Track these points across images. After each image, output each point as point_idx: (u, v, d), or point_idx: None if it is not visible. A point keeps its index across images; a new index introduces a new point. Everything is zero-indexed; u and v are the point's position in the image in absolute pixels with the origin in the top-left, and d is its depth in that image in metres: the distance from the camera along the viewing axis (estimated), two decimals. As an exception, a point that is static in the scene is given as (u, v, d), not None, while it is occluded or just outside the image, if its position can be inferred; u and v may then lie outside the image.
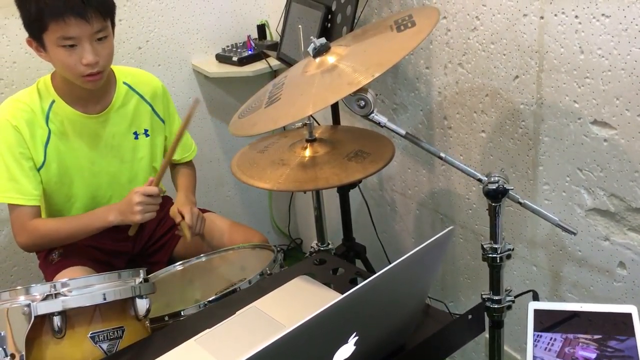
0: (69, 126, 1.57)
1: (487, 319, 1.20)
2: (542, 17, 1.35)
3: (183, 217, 1.60)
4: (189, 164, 1.86)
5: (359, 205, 2.13)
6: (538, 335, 1.05)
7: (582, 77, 1.32)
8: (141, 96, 1.67)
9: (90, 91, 1.53)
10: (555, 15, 1.32)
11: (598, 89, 1.30)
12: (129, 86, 1.65)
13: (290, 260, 2.59)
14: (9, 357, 1.03)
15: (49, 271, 1.64)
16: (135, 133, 1.67)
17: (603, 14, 1.24)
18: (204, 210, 1.83)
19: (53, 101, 1.55)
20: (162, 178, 1.57)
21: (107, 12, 1.46)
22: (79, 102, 1.56)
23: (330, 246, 1.82)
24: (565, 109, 1.38)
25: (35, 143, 1.53)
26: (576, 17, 1.29)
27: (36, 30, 1.42)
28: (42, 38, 1.43)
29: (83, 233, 1.57)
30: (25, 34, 1.47)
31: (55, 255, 1.64)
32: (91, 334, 1.13)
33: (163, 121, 1.73)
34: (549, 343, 1.03)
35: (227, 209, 2.51)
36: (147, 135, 1.69)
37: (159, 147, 1.74)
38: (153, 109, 1.70)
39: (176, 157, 1.80)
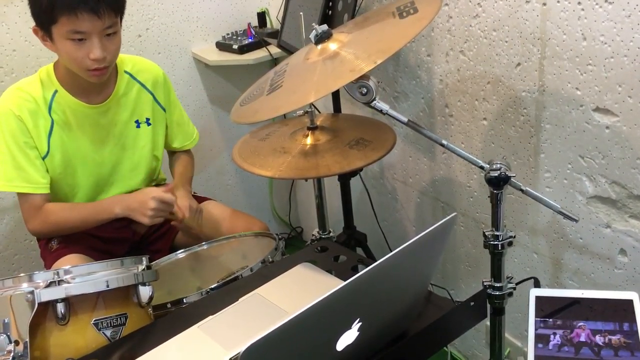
0: (72, 116, 1.56)
1: (488, 306, 1.21)
2: (544, 4, 1.35)
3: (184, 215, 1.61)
4: (188, 152, 1.86)
5: (360, 193, 2.13)
6: (539, 321, 1.05)
7: (584, 64, 1.31)
8: (142, 85, 1.67)
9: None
10: (558, 1, 1.32)
11: (600, 75, 1.29)
12: (130, 75, 1.64)
13: (291, 248, 2.59)
14: (13, 344, 1.03)
15: (48, 259, 1.64)
16: (137, 122, 1.67)
17: (606, 1, 1.23)
18: (204, 198, 1.83)
19: (56, 91, 1.54)
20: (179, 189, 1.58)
21: (119, 8, 1.46)
22: (81, 92, 1.56)
23: (331, 234, 1.83)
24: (567, 96, 1.37)
25: (39, 133, 1.53)
26: (579, 3, 1.28)
27: (45, 21, 1.41)
28: (51, 29, 1.42)
29: (92, 222, 1.58)
30: (26, 22, 1.47)
31: (54, 243, 1.65)
32: (94, 320, 1.14)
33: (164, 109, 1.73)
34: (550, 330, 1.03)
35: (228, 197, 2.51)
36: (148, 124, 1.69)
37: (160, 135, 1.73)
38: (154, 98, 1.69)
39: (176, 145, 1.80)
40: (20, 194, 1.55)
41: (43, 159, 1.55)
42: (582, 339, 1.01)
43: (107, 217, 1.56)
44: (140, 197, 1.53)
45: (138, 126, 1.67)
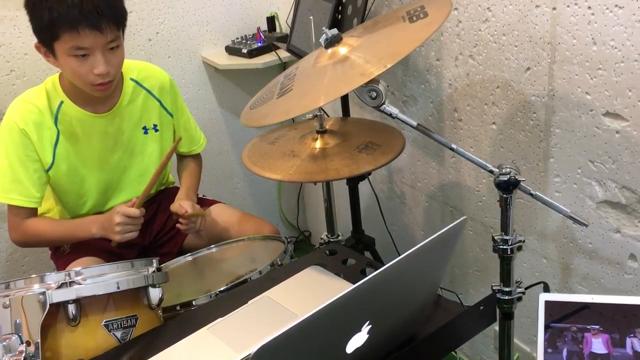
0: (78, 126, 1.57)
1: (497, 311, 1.21)
2: (554, 8, 1.35)
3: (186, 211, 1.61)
4: (196, 157, 1.85)
5: (368, 197, 2.13)
6: (549, 326, 1.05)
7: (594, 69, 1.31)
8: (149, 91, 1.66)
9: None
10: (568, 6, 1.32)
11: (610, 80, 1.29)
12: (136, 82, 1.64)
13: (299, 252, 2.59)
14: (24, 344, 1.04)
15: (61, 262, 1.65)
16: (144, 128, 1.67)
17: (616, 5, 1.23)
18: (213, 201, 1.84)
19: (61, 102, 1.55)
20: (145, 199, 1.54)
21: (121, 21, 1.45)
22: (87, 102, 1.56)
23: (340, 238, 1.83)
24: (577, 101, 1.37)
25: (44, 145, 1.54)
26: (589, 8, 1.28)
27: (47, 38, 1.41)
28: (53, 46, 1.41)
29: (69, 240, 1.62)
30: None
31: (66, 247, 1.66)
32: (105, 322, 1.14)
33: (171, 115, 1.72)
34: (560, 335, 1.03)
35: (236, 201, 2.52)
36: (156, 130, 1.69)
37: (168, 141, 1.74)
38: (161, 104, 1.69)
39: (183, 149, 1.80)
40: (10, 205, 1.57)
41: (47, 170, 1.56)
42: (593, 345, 1.00)
43: (84, 236, 1.57)
44: (108, 215, 1.53)
45: (145, 133, 1.67)
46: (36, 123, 1.52)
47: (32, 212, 1.59)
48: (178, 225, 1.63)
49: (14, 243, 1.62)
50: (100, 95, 1.51)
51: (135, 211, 1.49)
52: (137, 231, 1.52)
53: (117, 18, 1.43)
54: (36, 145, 1.53)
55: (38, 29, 1.43)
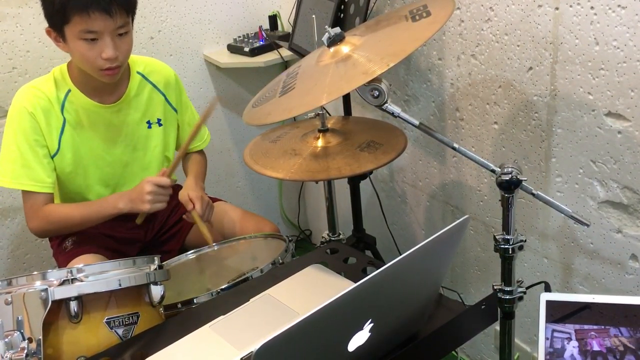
0: (84, 116, 1.58)
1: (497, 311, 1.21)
2: (557, 8, 1.35)
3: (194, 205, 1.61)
4: (200, 152, 1.87)
5: (370, 196, 2.13)
6: (550, 326, 1.05)
7: (596, 69, 1.31)
8: (154, 85, 1.68)
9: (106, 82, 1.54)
10: (571, 6, 1.32)
11: (613, 80, 1.29)
12: (143, 75, 1.66)
13: (300, 251, 2.60)
14: (26, 341, 1.04)
15: (62, 259, 1.65)
16: (148, 122, 1.68)
17: (619, 5, 1.23)
18: (215, 199, 1.84)
19: (69, 91, 1.56)
20: (175, 169, 1.57)
21: (131, 8, 1.48)
22: (94, 92, 1.58)
23: (341, 236, 1.83)
24: (579, 101, 1.37)
25: (50, 131, 1.55)
26: (592, 8, 1.28)
27: (58, 21, 1.43)
28: (63, 29, 1.43)
29: (94, 220, 1.58)
30: (40, 24, 1.48)
31: (68, 243, 1.66)
32: (107, 319, 1.15)
33: (176, 110, 1.74)
34: (563, 336, 1.03)
35: (237, 199, 2.52)
36: (160, 125, 1.70)
37: (171, 136, 1.75)
38: (166, 99, 1.71)
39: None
40: (24, 192, 1.56)
41: (53, 156, 1.56)
42: (594, 345, 1.01)
43: (110, 213, 1.55)
44: (137, 186, 1.53)
45: (149, 127, 1.69)
46: (44, 109, 1.53)
47: (49, 198, 1.57)
48: (184, 216, 1.64)
49: (33, 233, 1.59)
50: (107, 80, 1.51)
51: (166, 180, 1.51)
52: (166, 202, 1.52)
53: (127, 4, 1.46)
54: (44, 131, 1.53)
55: (49, 13, 1.45)
